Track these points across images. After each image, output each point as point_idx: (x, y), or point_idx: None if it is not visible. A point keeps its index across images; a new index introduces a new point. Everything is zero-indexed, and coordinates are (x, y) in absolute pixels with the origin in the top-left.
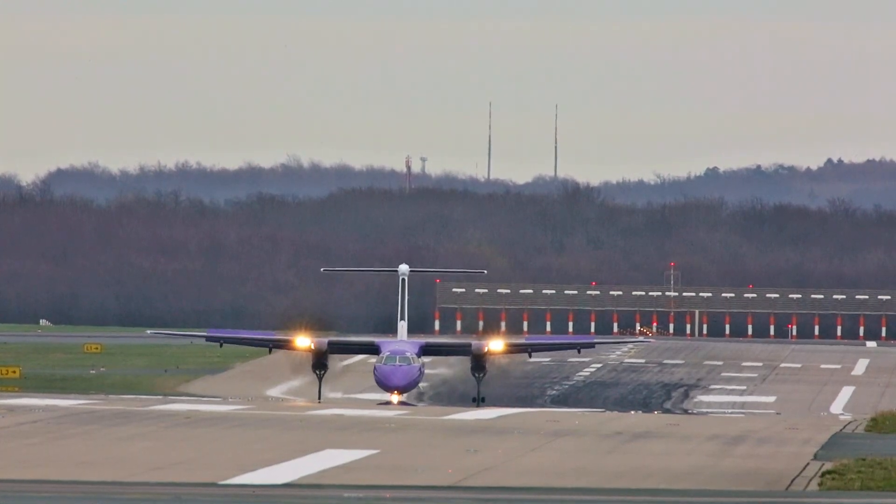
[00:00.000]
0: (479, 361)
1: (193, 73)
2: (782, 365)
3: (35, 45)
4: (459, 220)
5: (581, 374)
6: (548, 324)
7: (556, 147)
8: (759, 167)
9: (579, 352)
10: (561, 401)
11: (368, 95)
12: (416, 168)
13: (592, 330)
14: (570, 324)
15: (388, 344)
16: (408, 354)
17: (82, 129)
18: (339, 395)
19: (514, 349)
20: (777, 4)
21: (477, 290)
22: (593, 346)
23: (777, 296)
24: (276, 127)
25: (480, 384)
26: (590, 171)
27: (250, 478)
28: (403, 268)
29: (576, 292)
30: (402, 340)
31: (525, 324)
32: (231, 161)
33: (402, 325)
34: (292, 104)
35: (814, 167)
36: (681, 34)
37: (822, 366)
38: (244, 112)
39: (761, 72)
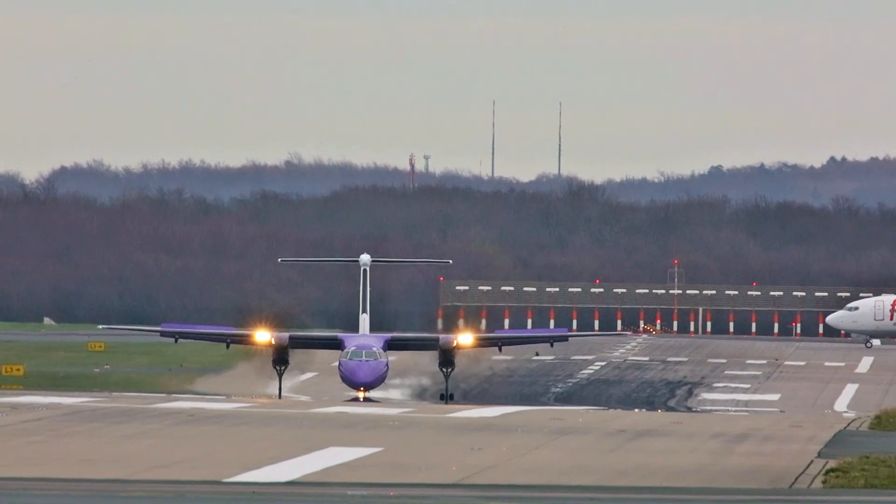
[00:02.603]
0: (447, 356)
1: (197, 71)
2: (786, 363)
3: (37, 42)
4: (463, 218)
5: (585, 371)
6: (551, 321)
7: (559, 145)
8: (762, 165)
9: (552, 345)
10: (564, 398)
11: (371, 93)
12: (419, 166)
13: (596, 327)
14: (574, 321)
15: (352, 338)
16: (374, 349)
17: (86, 126)
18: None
19: (483, 343)
20: (781, 2)
21: (480, 288)
22: (566, 340)
23: (781, 293)
24: (278, 125)
25: (448, 380)
26: (593, 169)
27: (254, 476)
28: (364, 258)
29: (579, 290)
30: (367, 335)
31: (529, 321)
32: (234, 159)
33: (364, 319)
34: (295, 102)
35: (817, 165)
36: (685, 32)
37: (827, 363)
38: (247, 110)
39: (765, 70)
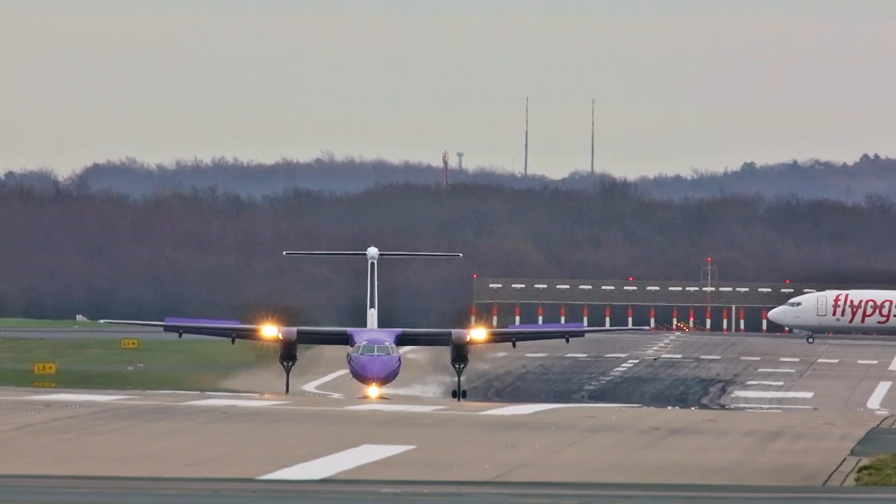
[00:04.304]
0: (459, 351)
1: (230, 69)
2: (819, 360)
3: (71, 40)
4: (496, 216)
5: (618, 369)
6: (585, 319)
7: (592, 142)
8: (795, 162)
9: (567, 341)
10: (598, 396)
11: (405, 90)
12: (452, 163)
13: (630, 325)
14: (608, 319)
15: (362, 333)
16: (386, 344)
17: (119, 124)
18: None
19: (496, 338)
20: (815, 1)
21: (514, 286)
22: (582, 335)
23: (814, 291)
24: (311, 122)
25: (461, 376)
26: (626, 167)
27: (287, 473)
28: (372, 251)
29: (613, 288)
30: (377, 329)
31: (562, 318)
32: (267, 156)
33: (372, 313)
34: (328, 99)
35: (850, 163)
36: (719, 29)
37: (860, 361)
38: (280, 107)
39: (798, 67)
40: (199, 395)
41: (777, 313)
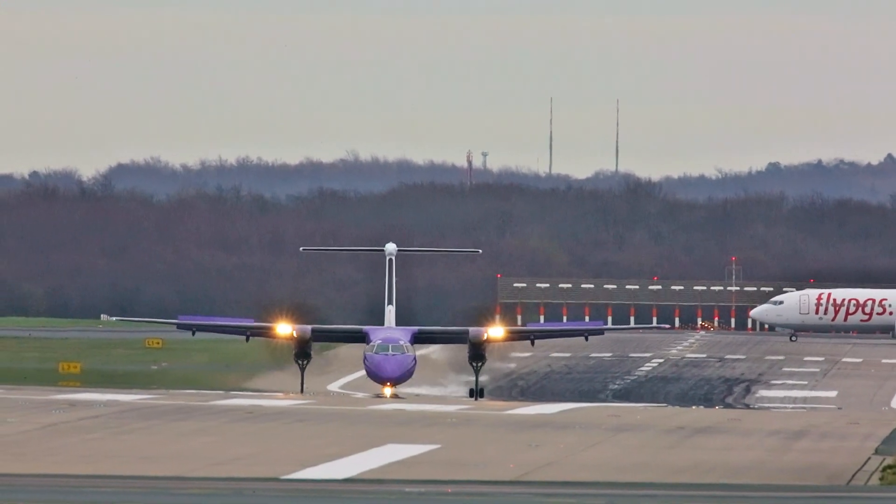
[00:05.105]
0: (477, 350)
1: (255, 69)
2: (843, 360)
3: (96, 40)
4: (520, 216)
5: (643, 368)
6: (609, 318)
7: (617, 142)
8: (820, 162)
9: (586, 339)
10: (623, 395)
11: (429, 90)
12: (476, 163)
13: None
14: (632, 318)
15: (377, 331)
16: (401, 343)
17: (143, 123)
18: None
19: (514, 336)
20: (837, 3)
21: (538, 285)
22: (602, 333)
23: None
24: (336, 122)
25: (479, 374)
26: (651, 166)
27: (312, 473)
28: (390, 247)
29: (637, 287)
30: (393, 327)
31: (587, 318)
32: (292, 156)
33: (390, 311)
34: (352, 99)
35: (875, 162)
36: (742, 29)
37: (884, 360)
38: (304, 107)
39: (823, 67)
40: (223, 394)
41: (759, 312)
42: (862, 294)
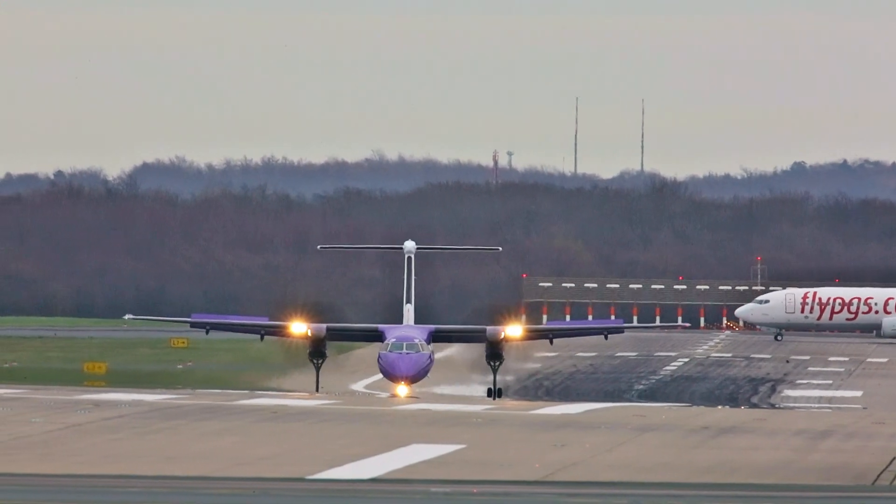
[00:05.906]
0: (495, 349)
1: (280, 68)
2: (869, 360)
3: (121, 40)
4: (546, 215)
5: (668, 368)
6: (634, 318)
7: (642, 141)
8: (845, 162)
9: (606, 337)
10: (648, 395)
11: (455, 90)
12: (502, 162)
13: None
14: (658, 318)
15: (393, 330)
16: (416, 341)
17: (168, 123)
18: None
19: (533, 335)
20: (862, 1)
21: (564, 285)
22: (621, 332)
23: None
24: (361, 121)
25: (497, 374)
26: (676, 166)
27: (337, 473)
28: (409, 245)
29: (662, 287)
30: (409, 326)
31: (612, 317)
32: (317, 155)
33: (409, 309)
34: (378, 98)
35: None
36: (768, 29)
37: None
38: (330, 106)
39: (849, 66)
40: (248, 394)
41: (745, 311)
42: (847, 293)
